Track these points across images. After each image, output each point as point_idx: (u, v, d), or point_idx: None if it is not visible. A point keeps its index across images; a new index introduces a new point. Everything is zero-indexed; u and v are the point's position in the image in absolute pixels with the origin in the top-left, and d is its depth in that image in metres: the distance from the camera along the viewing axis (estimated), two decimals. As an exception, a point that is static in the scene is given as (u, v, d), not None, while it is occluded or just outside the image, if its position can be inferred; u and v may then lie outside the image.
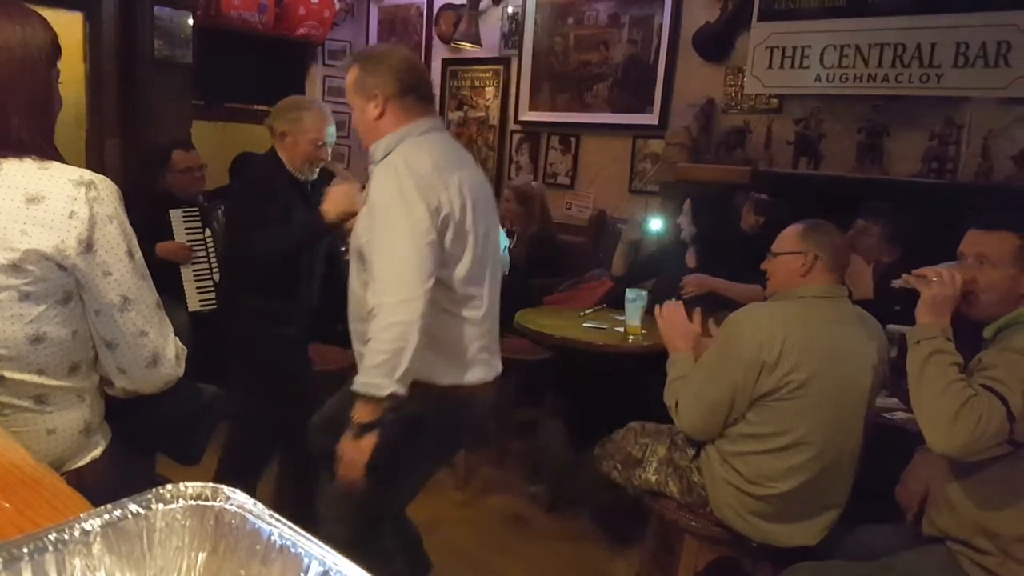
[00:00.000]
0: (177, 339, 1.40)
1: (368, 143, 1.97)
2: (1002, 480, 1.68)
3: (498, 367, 2.05)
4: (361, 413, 1.77)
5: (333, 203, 2.38)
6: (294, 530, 0.63)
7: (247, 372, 2.66)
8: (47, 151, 1.24)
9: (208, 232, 3.60)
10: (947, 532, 1.78)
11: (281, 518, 0.64)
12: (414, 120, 1.91)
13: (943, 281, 1.75)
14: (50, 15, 1.31)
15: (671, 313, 2.35)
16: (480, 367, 1.97)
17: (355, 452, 1.79)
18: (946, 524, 1.78)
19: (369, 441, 1.78)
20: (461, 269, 1.88)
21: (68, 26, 3.68)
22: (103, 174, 1.24)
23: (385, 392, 1.74)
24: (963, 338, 1.81)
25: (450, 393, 1.93)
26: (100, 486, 1.28)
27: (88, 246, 1.19)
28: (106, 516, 0.63)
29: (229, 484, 0.68)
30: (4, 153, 1.20)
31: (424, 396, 1.85)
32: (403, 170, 1.81)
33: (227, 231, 3.16)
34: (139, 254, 1.29)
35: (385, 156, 1.90)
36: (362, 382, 1.77)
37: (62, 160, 1.25)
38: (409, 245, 1.77)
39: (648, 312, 3.20)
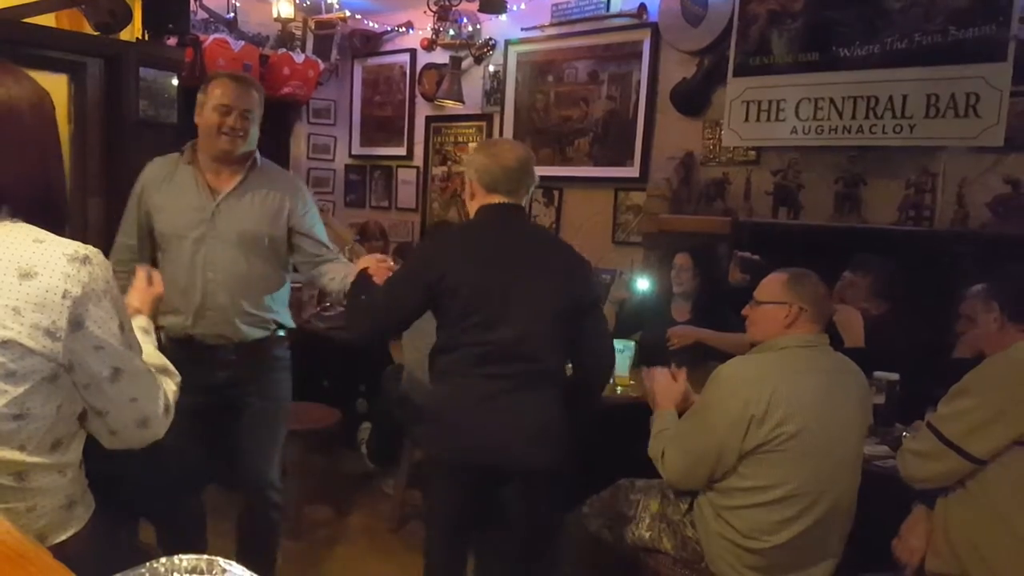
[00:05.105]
0: (167, 386, 1.37)
1: None
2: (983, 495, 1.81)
3: None
4: None
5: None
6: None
7: None
8: (62, 211, 1.26)
9: None
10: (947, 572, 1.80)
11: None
12: None
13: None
14: (35, 77, 1.32)
15: (658, 376, 2.39)
16: None
17: None
18: (946, 564, 1.79)
19: None
20: None
21: (53, 88, 3.62)
22: (86, 232, 1.24)
23: None
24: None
25: None
26: (84, 559, 1.24)
27: (79, 324, 1.16)
28: (100, 593, 0.61)
29: None
30: (17, 216, 1.20)
31: None
32: None
33: None
34: (129, 324, 1.26)
35: None
36: None
37: (68, 215, 1.24)
38: None
39: (635, 365, 3.20)
